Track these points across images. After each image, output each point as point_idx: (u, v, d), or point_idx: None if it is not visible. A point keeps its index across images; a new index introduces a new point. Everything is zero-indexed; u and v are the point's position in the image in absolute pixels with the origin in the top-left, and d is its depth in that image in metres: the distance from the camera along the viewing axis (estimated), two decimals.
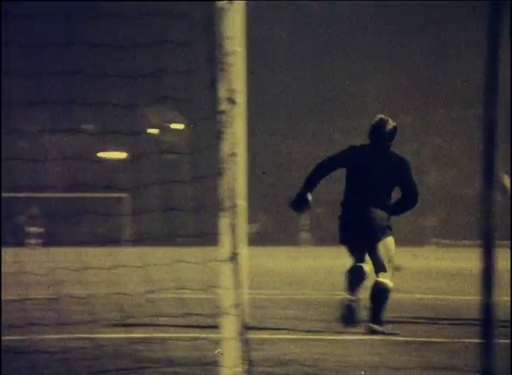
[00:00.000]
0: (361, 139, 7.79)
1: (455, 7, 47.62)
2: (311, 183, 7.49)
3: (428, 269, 18.92)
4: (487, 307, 3.40)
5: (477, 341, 3.72)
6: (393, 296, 11.04)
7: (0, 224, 31.09)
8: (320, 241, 43.68)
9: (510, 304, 8.17)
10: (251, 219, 43.18)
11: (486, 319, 3.35)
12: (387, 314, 8.64)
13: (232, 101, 4.13)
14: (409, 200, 7.41)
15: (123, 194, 44.47)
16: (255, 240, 40.55)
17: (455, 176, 48.14)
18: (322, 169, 7.49)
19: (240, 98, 4.16)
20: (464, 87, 46.54)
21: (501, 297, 9.83)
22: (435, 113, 50.98)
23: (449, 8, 48.19)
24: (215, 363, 4.12)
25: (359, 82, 50.72)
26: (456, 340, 6.75)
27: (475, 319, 7.43)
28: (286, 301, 10.17)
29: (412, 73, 50.78)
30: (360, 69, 50.48)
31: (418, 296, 11.13)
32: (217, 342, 4.10)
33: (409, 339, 6.77)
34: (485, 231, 3.27)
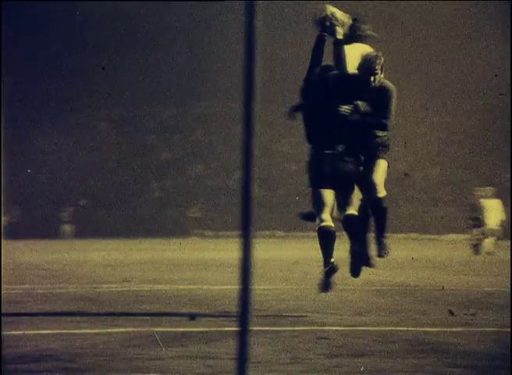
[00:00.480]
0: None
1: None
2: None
3: (190, 260, 19.15)
4: (244, 296, 3.46)
5: (235, 328, 3.77)
6: (156, 287, 11.08)
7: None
8: (82, 233, 43.07)
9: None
10: (7, 212, 41.82)
11: (243, 308, 3.41)
12: (151, 308, 8.64)
13: None
14: None
15: None
16: (13, 233, 39.36)
17: (217, 168, 49.05)
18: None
19: None
20: (226, 81, 47.48)
21: (258, 286, 10.04)
22: (197, 106, 51.65)
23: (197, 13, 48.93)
24: None
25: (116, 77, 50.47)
26: (216, 328, 6.85)
27: (235, 309, 7.58)
28: (44, 295, 9.91)
29: (175, 68, 51.17)
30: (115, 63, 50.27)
31: (181, 287, 11.22)
32: None
33: (171, 329, 6.80)
34: (245, 222, 3.33)
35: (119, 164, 48.31)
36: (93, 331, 6.67)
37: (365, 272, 11.62)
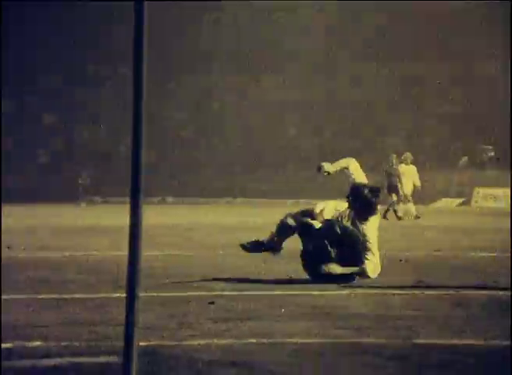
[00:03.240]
0: None
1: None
2: None
3: (78, 227, 18.90)
4: (132, 261, 3.41)
5: (123, 294, 3.70)
6: (42, 254, 10.87)
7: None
8: None
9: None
10: None
11: (130, 273, 3.36)
12: (36, 274, 8.46)
13: None
14: None
15: None
16: None
17: (106, 133, 48.45)
18: None
19: None
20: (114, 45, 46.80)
21: (148, 252, 9.88)
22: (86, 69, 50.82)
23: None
24: None
25: None
26: (102, 295, 6.76)
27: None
28: None
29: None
30: None
31: (67, 253, 11.06)
32: None
33: (55, 296, 6.68)
34: (134, 188, 3.28)
35: (2, 129, 47.13)
36: None
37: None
